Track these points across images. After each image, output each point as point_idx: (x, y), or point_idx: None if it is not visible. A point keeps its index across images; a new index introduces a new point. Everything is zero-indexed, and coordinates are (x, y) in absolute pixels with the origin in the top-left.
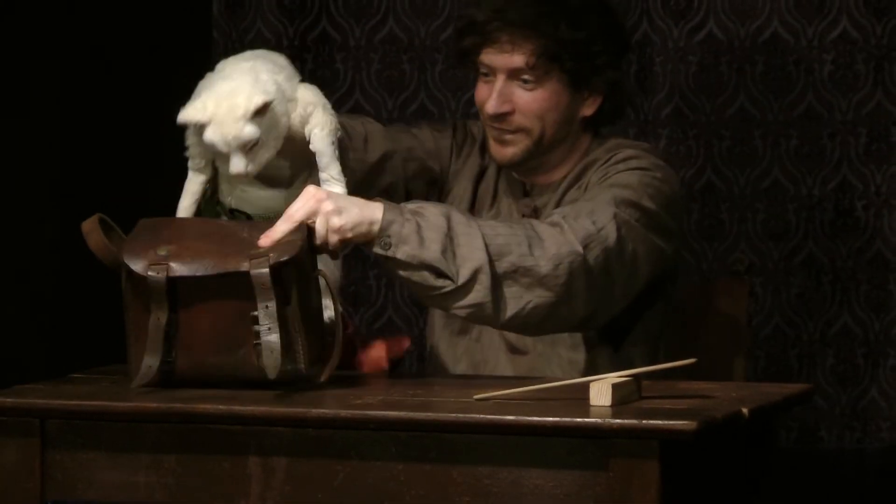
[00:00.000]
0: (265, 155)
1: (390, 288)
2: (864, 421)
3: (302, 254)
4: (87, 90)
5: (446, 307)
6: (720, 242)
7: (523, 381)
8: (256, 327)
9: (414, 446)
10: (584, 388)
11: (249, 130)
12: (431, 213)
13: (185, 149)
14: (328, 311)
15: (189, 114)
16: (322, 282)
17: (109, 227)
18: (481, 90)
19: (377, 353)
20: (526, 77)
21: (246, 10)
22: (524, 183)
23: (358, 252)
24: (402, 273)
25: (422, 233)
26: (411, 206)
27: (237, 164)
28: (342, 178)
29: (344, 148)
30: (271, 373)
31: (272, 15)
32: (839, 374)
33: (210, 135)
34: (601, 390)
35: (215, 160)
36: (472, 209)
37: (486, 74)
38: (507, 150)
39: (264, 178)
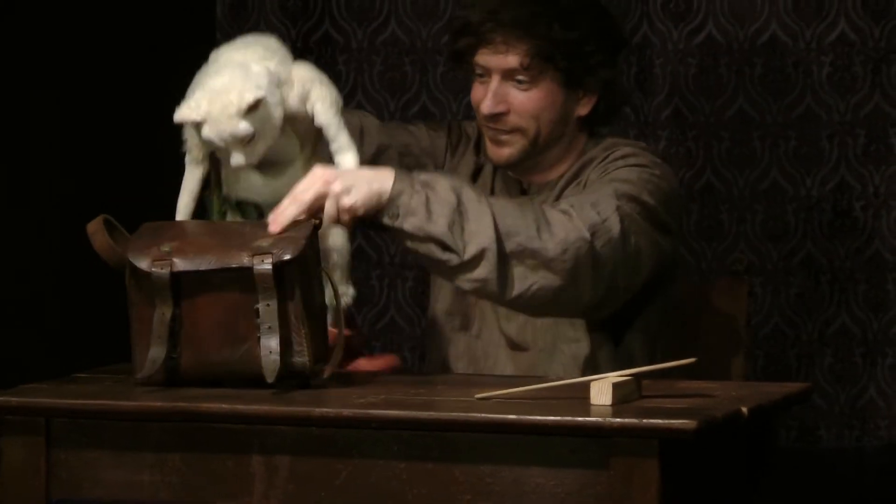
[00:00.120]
0: (263, 146)
1: (392, 288)
2: (862, 419)
3: (305, 252)
4: (89, 92)
5: (452, 279)
6: (719, 243)
7: (525, 380)
8: (258, 320)
9: (416, 445)
10: (585, 387)
11: (244, 127)
12: (442, 187)
13: (182, 143)
14: (345, 297)
15: (184, 113)
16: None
17: (114, 228)
18: (477, 91)
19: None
20: (520, 77)
21: (249, 12)
22: (521, 182)
23: (360, 253)
24: (409, 244)
25: (430, 206)
26: (423, 177)
27: (236, 159)
28: (352, 146)
29: None
30: (269, 377)
31: (275, 17)
32: (838, 374)
33: (207, 133)
34: (602, 389)
35: (216, 153)
36: None
37: (481, 75)
38: (504, 151)
39: (272, 161)
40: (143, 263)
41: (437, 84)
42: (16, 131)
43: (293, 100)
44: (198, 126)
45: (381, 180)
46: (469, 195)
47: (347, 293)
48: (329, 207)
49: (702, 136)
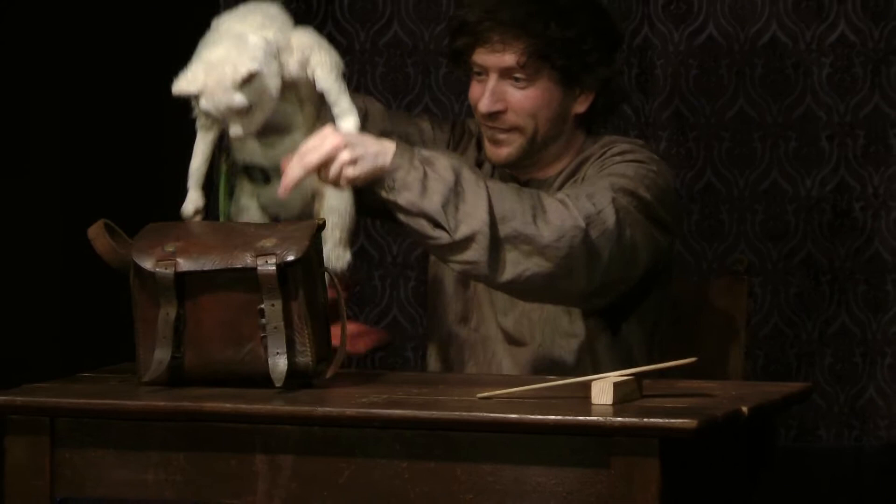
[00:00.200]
0: (261, 116)
1: (395, 288)
2: (862, 419)
3: (309, 252)
4: (90, 90)
5: (443, 258)
6: (720, 243)
7: (526, 379)
8: (263, 321)
9: (418, 444)
10: (586, 386)
11: (239, 99)
12: (441, 165)
13: (193, 119)
14: (340, 261)
15: (181, 86)
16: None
17: (114, 232)
18: (474, 90)
19: (359, 333)
20: (518, 76)
21: None
22: (519, 179)
23: (363, 253)
24: (402, 217)
25: (426, 182)
26: (425, 153)
27: (234, 130)
28: (353, 109)
29: None
30: (278, 379)
31: None
32: (837, 373)
33: (204, 104)
34: (603, 389)
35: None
36: None
37: (479, 74)
38: (502, 151)
39: (274, 127)
40: (147, 264)
41: (440, 85)
42: (17, 131)
43: (293, 66)
44: (196, 98)
45: (384, 153)
46: (468, 176)
47: (343, 257)
48: (333, 172)
49: (702, 137)
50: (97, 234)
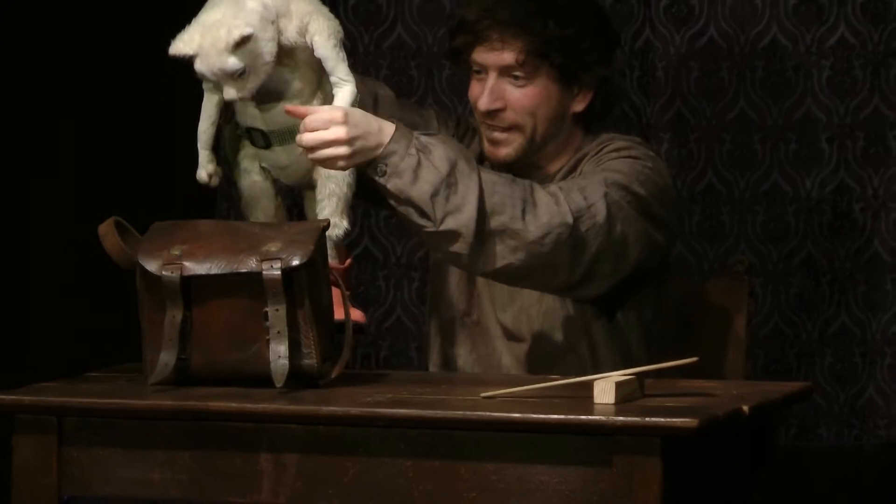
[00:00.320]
0: (255, 81)
1: (399, 289)
2: (861, 418)
3: (314, 256)
4: (104, 91)
5: (428, 245)
6: (721, 243)
7: (529, 378)
8: (267, 324)
9: (422, 443)
10: (589, 386)
11: (232, 62)
12: (437, 154)
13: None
14: (336, 228)
15: (178, 47)
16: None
17: (125, 229)
18: (474, 88)
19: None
20: (517, 74)
21: None
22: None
23: (367, 253)
24: (391, 202)
25: (419, 170)
26: (423, 139)
27: (229, 93)
28: (350, 78)
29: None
30: (279, 382)
31: None
32: (837, 373)
33: (198, 66)
34: (605, 389)
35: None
36: None
37: (478, 72)
38: (501, 151)
39: (274, 93)
40: (154, 267)
41: (443, 87)
42: (30, 129)
43: (291, 33)
44: (191, 60)
45: (381, 136)
46: (462, 168)
47: (340, 225)
48: (328, 159)
49: (703, 139)
50: (107, 231)
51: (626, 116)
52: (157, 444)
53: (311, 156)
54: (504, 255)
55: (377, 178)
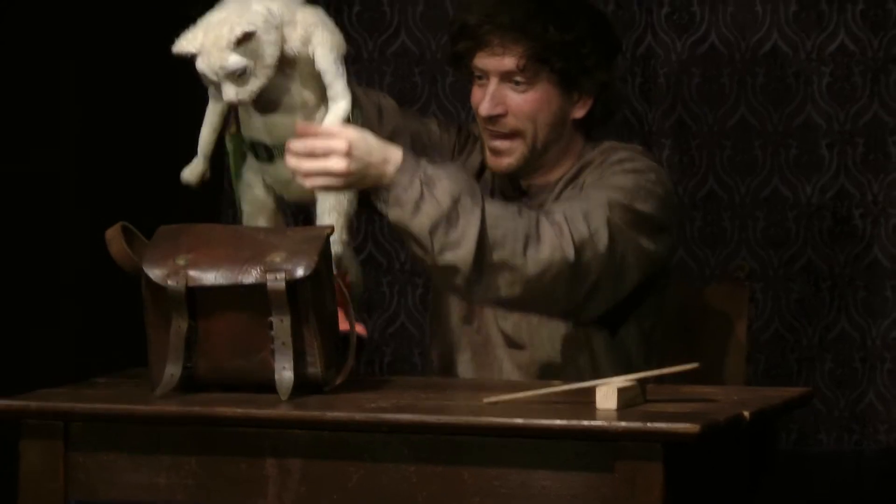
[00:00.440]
0: (256, 83)
1: (403, 295)
2: (861, 423)
3: (319, 267)
4: (110, 90)
5: (428, 273)
6: (722, 249)
7: (532, 384)
8: (272, 333)
9: (425, 448)
10: (591, 391)
11: (234, 60)
12: (441, 188)
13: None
14: (335, 245)
15: (181, 45)
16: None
17: (132, 234)
18: (476, 93)
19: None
20: (517, 79)
21: None
22: (520, 185)
23: (370, 259)
24: (393, 227)
25: (420, 203)
26: (430, 171)
27: (228, 93)
28: (347, 94)
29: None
30: (283, 394)
31: None
32: (837, 378)
33: (200, 64)
34: (607, 394)
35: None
36: None
37: (479, 78)
38: (503, 161)
39: (278, 104)
40: (159, 277)
41: (446, 94)
42: (38, 133)
43: (295, 42)
44: (194, 58)
45: (385, 167)
46: (465, 202)
47: (338, 242)
48: (322, 187)
49: (704, 145)
50: (113, 237)
51: (627, 123)
52: (163, 449)
53: (306, 183)
54: (502, 288)
55: (379, 204)
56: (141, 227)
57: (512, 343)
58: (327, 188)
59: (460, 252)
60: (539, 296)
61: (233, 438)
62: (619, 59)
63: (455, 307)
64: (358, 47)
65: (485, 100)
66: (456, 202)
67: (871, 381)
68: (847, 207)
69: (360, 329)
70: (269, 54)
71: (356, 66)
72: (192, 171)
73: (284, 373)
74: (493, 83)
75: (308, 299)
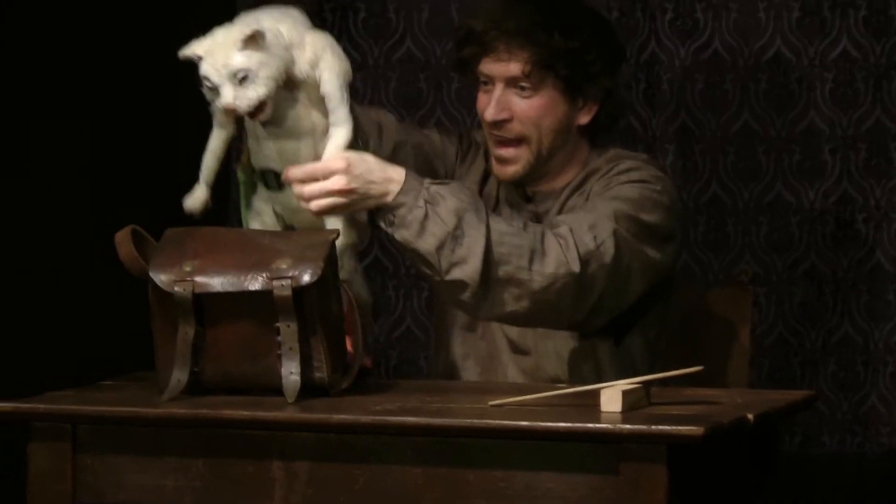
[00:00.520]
0: (256, 92)
1: (408, 299)
2: (864, 426)
3: (325, 273)
4: (115, 96)
5: (435, 290)
6: (725, 254)
7: (536, 387)
8: (279, 339)
9: (431, 451)
10: (596, 394)
11: (238, 60)
12: (445, 207)
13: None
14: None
15: (188, 49)
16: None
17: (142, 238)
18: (481, 99)
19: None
20: (523, 84)
21: None
22: (526, 192)
23: (376, 263)
24: (399, 248)
25: (426, 223)
26: (434, 189)
27: (226, 95)
28: (349, 122)
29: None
30: (290, 397)
31: None
32: (840, 381)
33: (203, 68)
34: (612, 397)
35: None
36: None
37: (485, 83)
38: (509, 169)
39: (286, 128)
40: (165, 282)
41: (451, 100)
42: (44, 136)
43: (303, 65)
44: (199, 61)
45: (387, 187)
46: (470, 219)
47: (345, 267)
48: (327, 209)
49: (708, 150)
50: (122, 240)
51: (631, 128)
52: (171, 451)
53: (311, 207)
54: (509, 303)
55: (384, 226)
56: (149, 229)
57: (517, 349)
58: (333, 210)
59: (467, 268)
60: (545, 309)
61: (239, 441)
62: (624, 66)
63: (460, 314)
64: (363, 54)
65: (490, 105)
66: (461, 219)
67: (873, 385)
68: (850, 212)
69: (367, 362)
70: (274, 66)
71: (362, 72)
72: (195, 200)
73: (291, 377)
74: (499, 89)
75: (314, 304)
